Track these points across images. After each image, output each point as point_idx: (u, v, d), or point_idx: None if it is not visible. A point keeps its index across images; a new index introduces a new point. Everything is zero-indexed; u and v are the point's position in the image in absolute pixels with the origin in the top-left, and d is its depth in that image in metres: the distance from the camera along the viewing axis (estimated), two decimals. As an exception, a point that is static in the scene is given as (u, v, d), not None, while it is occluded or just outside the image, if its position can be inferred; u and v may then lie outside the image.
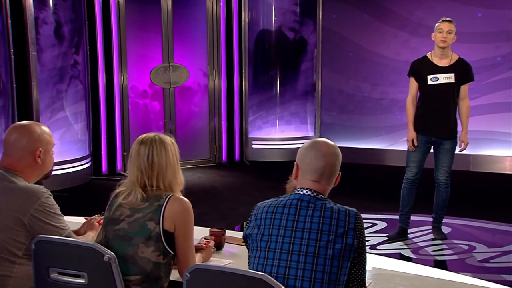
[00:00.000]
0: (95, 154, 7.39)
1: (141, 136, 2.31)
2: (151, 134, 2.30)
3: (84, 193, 6.73)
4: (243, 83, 8.45)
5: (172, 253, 2.22)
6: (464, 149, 4.73)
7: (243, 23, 8.36)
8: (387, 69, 8.07)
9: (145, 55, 7.84)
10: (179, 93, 8.10)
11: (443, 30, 4.62)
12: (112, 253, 2.06)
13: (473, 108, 7.69)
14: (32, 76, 6.39)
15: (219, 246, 2.69)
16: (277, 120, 8.57)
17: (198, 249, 2.46)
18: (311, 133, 8.62)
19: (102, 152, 7.50)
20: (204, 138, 8.33)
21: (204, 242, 2.58)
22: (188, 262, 2.23)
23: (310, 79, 8.59)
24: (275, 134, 8.56)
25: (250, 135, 8.56)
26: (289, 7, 8.40)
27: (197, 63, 8.23)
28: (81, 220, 2.92)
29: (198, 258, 2.38)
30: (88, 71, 7.18)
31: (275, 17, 8.37)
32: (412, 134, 4.76)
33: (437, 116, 4.69)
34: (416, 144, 4.74)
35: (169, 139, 2.30)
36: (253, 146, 8.56)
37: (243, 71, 8.42)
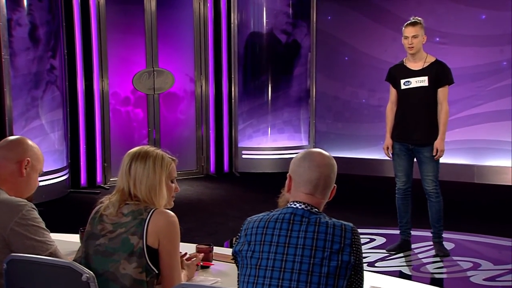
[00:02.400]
0: (73, 166, 7.36)
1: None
2: (144, 147, 2.37)
3: (61, 207, 6.69)
4: (233, 89, 8.46)
5: (156, 272, 2.22)
6: (440, 156, 4.70)
7: (232, 25, 8.38)
8: (386, 74, 8.09)
9: (127, 59, 7.84)
10: (164, 100, 8.10)
11: (407, 37, 4.69)
12: (91, 273, 2.05)
13: (476, 116, 7.82)
14: (4, 81, 6.36)
15: (206, 264, 2.69)
16: (269, 129, 8.58)
17: (183, 264, 2.47)
18: (304, 142, 8.64)
19: (81, 163, 7.47)
20: (190, 148, 8.32)
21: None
22: (174, 280, 2.22)
23: (303, 85, 8.62)
24: (267, 144, 8.57)
25: (240, 145, 8.56)
26: (281, 8, 8.43)
27: (183, 68, 8.23)
28: (58, 236, 2.89)
29: (182, 276, 2.37)
30: (65, 77, 7.16)
31: (266, 18, 8.40)
32: (387, 141, 4.85)
33: (410, 122, 4.75)
34: (391, 151, 4.80)
35: (157, 153, 2.37)
36: (243, 156, 8.55)
37: (233, 76, 8.44)
